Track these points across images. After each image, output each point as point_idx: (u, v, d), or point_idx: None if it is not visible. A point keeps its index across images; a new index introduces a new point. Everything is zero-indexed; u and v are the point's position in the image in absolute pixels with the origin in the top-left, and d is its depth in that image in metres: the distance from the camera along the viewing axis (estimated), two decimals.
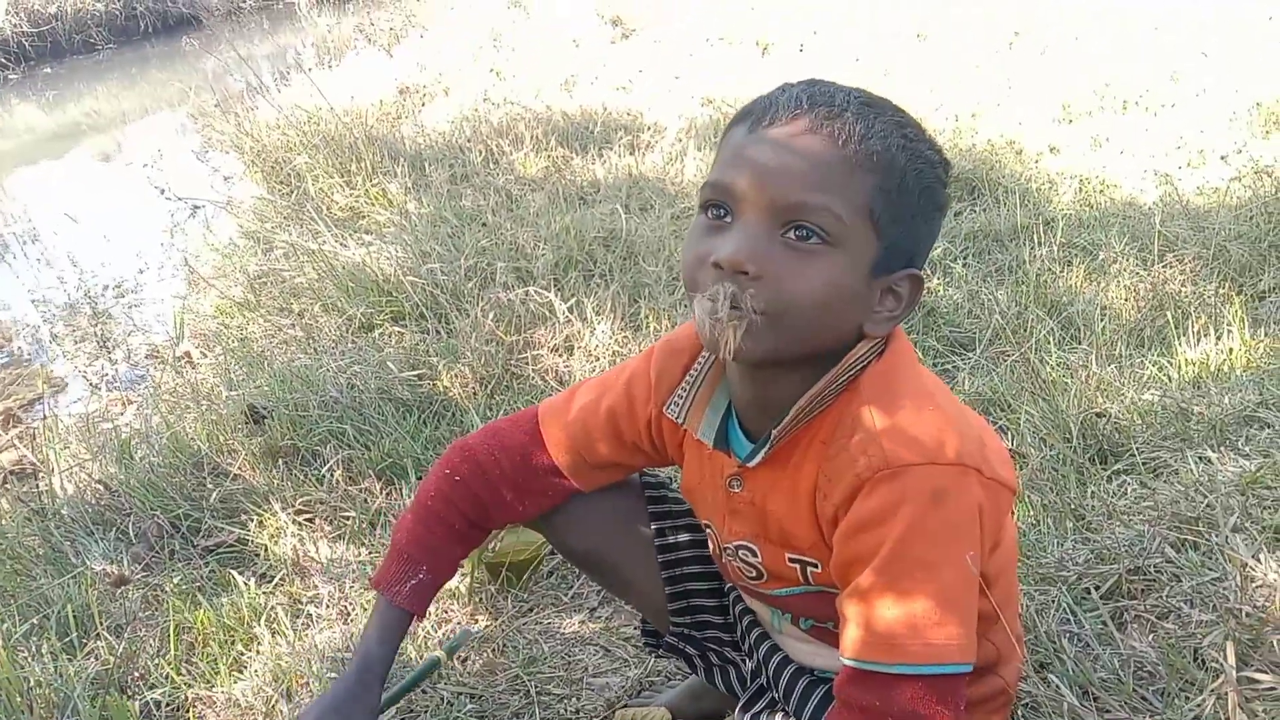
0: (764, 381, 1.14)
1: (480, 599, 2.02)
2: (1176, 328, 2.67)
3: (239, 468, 2.46)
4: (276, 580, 2.11)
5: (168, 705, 1.81)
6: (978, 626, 1.08)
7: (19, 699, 1.75)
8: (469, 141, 5.15)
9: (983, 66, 5.76)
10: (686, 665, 1.50)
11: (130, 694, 1.82)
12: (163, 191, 5.30)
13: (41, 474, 2.65)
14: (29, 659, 1.85)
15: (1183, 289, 2.98)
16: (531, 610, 2.01)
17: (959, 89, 5.39)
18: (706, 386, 1.23)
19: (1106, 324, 2.79)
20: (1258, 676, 1.34)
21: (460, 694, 1.76)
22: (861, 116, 1.03)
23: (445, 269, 3.34)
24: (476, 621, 1.97)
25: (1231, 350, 2.53)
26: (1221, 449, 2.02)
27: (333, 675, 1.76)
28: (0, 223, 6.56)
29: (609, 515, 1.44)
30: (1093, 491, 1.98)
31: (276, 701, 1.73)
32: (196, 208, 5.76)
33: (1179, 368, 2.51)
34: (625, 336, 2.92)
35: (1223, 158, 4.03)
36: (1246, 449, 2.02)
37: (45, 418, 3.17)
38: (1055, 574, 1.74)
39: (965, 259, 3.38)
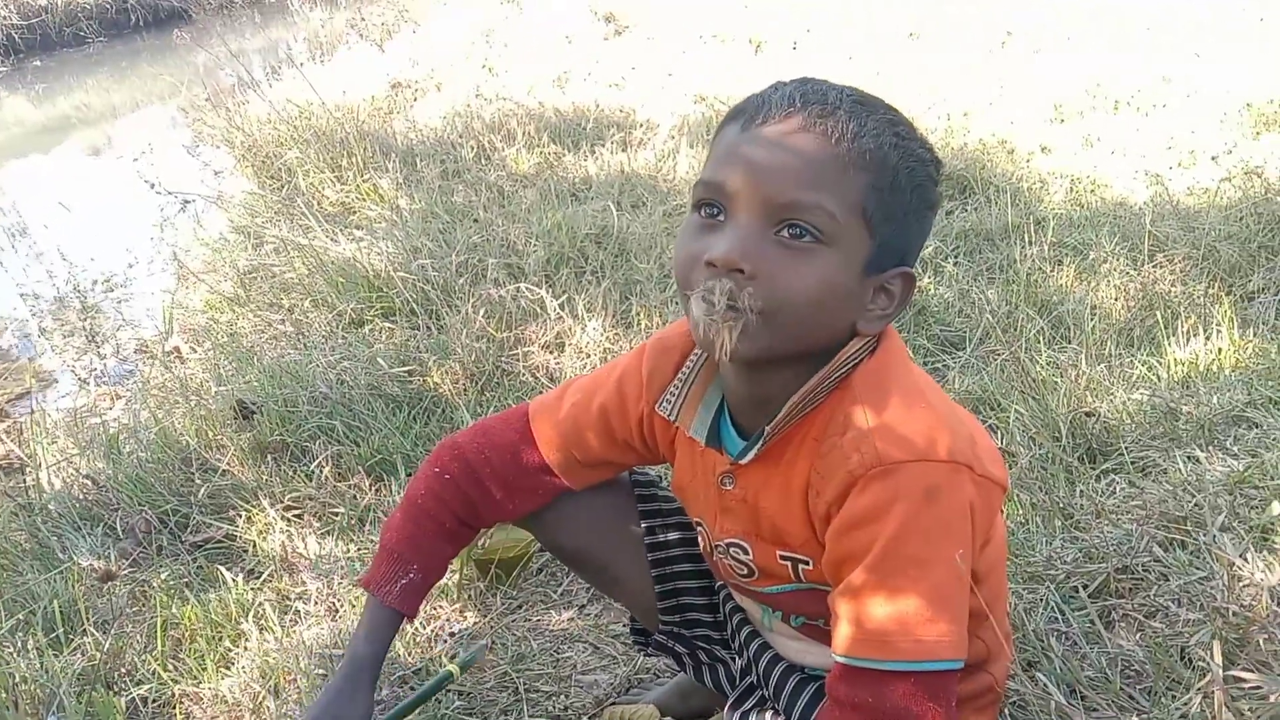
0: (757, 379, 1.14)
1: (469, 596, 2.02)
2: (1166, 328, 2.67)
3: (228, 463, 2.45)
4: (264, 576, 2.10)
5: (154, 701, 1.80)
6: (967, 624, 1.08)
7: (4, 695, 1.74)
8: (461, 137, 5.14)
9: (975, 66, 5.77)
10: (675, 663, 1.50)
11: (117, 690, 1.81)
12: (153, 186, 5.27)
13: (29, 469, 2.63)
14: (15, 655, 1.85)
15: (1172, 289, 2.99)
16: (520, 607, 2.01)
17: (951, 88, 5.40)
18: (699, 384, 1.22)
19: (1096, 323, 2.80)
20: (1244, 675, 1.34)
21: (448, 691, 1.75)
22: (854, 115, 1.03)
23: (436, 265, 3.33)
24: (465, 619, 1.97)
25: (1220, 350, 2.54)
26: (1210, 449, 2.03)
27: (320, 672, 1.76)
28: None
29: (599, 513, 1.44)
30: (1081, 490, 1.98)
31: (264, 698, 1.73)
32: (187, 202, 5.74)
33: (1168, 367, 2.52)
34: (616, 334, 2.92)
35: (1213, 158, 4.04)
36: (1234, 449, 2.03)
37: (33, 412, 3.16)
38: (1044, 572, 1.74)
39: (956, 257, 3.39)
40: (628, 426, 1.31)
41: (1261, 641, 1.40)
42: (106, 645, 1.88)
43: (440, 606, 2.00)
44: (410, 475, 2.27)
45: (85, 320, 4.26)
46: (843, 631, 1.07)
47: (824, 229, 1.02)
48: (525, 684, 1.78)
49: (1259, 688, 1.33)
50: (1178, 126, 4.48)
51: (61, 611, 1.98)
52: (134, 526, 2.31)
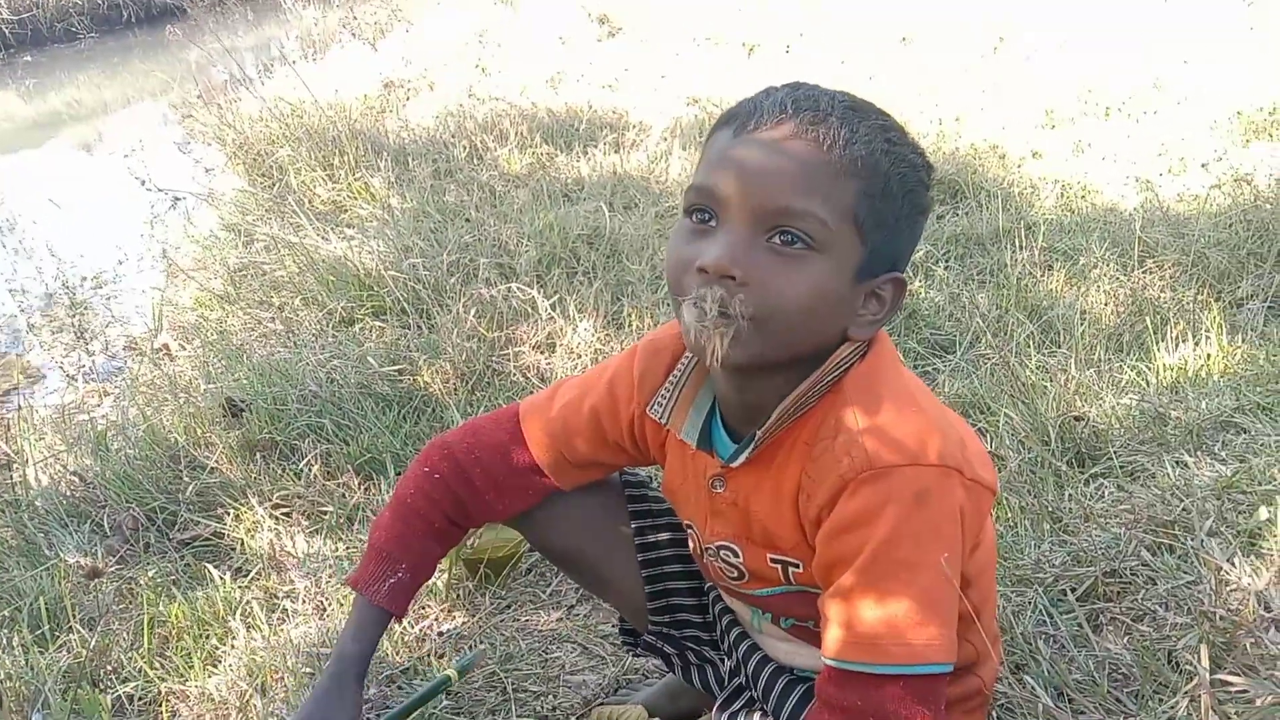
0: (748, 383, 1.14)
1: (458, 595, 2.01)
2: (1155, 333, 2.68)
3: (216, 461, 2.44)
4: (252, 575, 2.10)
5: (140, 699, 1.80)
6: (957, 627, 1.08)
7: None
8: (453, 137, 5.13)
9: (967, 71, 5.78)
10: (664, 664, 1.50)
11: (102, 687, 1.81)
12: (143, 182, 5.24)
13: (16, 465, 2.62)
14: (0, 651, 1.83)
15: (1162, 295, 3.00)
16: (509, 607, 2.01)
17: (943, 93, 5.41)
18: (690, 387, 1.22)
19: (1086, 328, 2.81)
20: (1231, 679, 1.35)
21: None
22: (846, 121, 1.03)
23: (427, 264, 3.32)
24: (454, 618, 1.96)
25: (1209, 356, 2.55)
26: (1198, 454, 2.03)
27: (308, 670, 1.75)
28: None
29: (589, 514, 1.44)
30: (1070, 494, 1.99)
31: (251, 696, 1.72)
32: (177, 199, 5.71)
33: (1157, 373, 2.52)
34: (608, 335, 2.92)
35: (1203, 165, 4.06)
36: (1223, 454, 2.03)
37: (20, 408, 3.14)
38: (1032, 576, 1.75)
39: (947, 262, 3.40)
40: (618, 428, 1.31)
41: (1248, 646, 1.41)
42: (93, 642, 1.87)
43: (429, 606, 1.99)
44: (400, 474, 2.26)
45: (74, 316, 4.24)
46: (832, 634, 1.07)
47: (815, 236, 1.03)
48: (513, 684, 1.77)
49: (1245, 692, 1.33)
50: (1168, 133, 4.50)
51: (47, 608, 1.97)
52: (121, 524, 2.30)
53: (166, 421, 2.71)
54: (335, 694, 1.31)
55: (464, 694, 1.76)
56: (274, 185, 4.98)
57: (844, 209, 1.03)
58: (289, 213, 4.28)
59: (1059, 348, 2.73)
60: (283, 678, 1.76)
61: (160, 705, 1.77)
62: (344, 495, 2.31)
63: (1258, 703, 1.30)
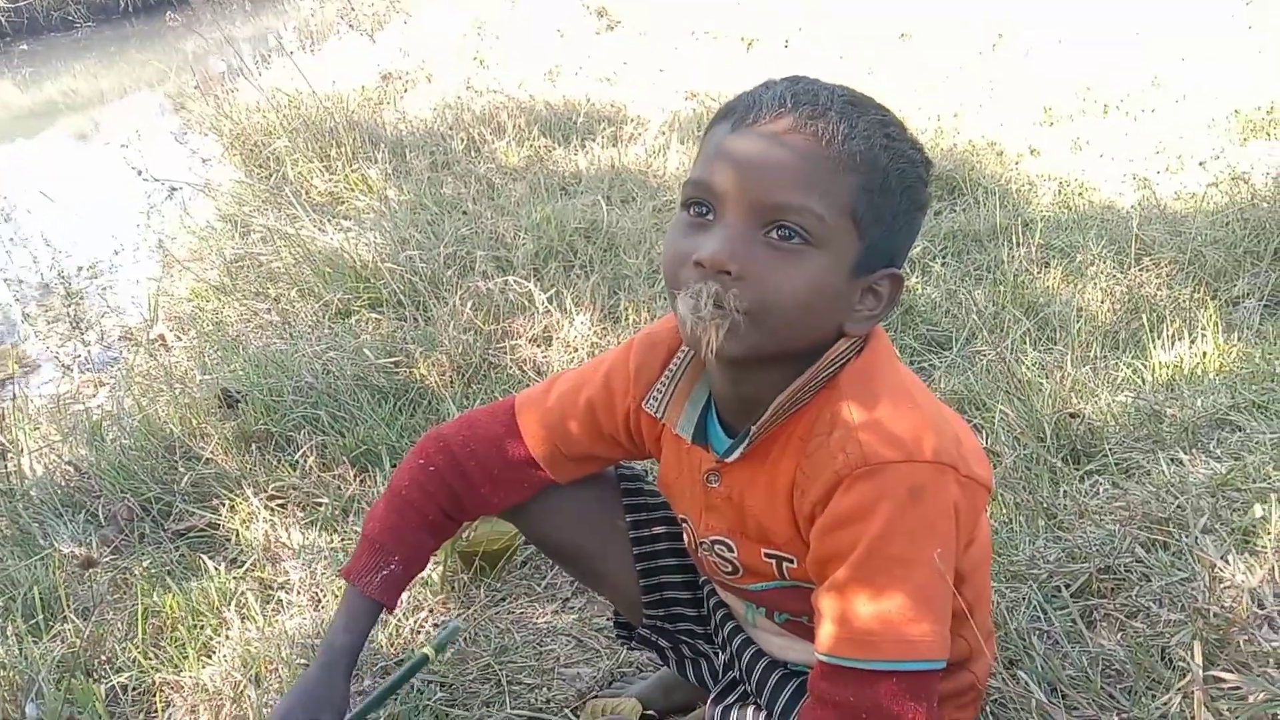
0: (743, 378, 1.14)
1: (453, 588, 2.01)
2: (1151, 331, 2.69)
3: (211, 452, 2.44)
4: (247, 566, 2.09)
5: (134, 689, 1.80)
6: (950, 623, 1.08)
7: None
8: (451, 129, 5.12)
9: (966, 68, 5.79)
10: (659, 657, 1.50)
11: (96, 677, 1.80)
12: (140, 172, 5.24)
13: (10, 455, 2.61)
14: None
15: (1158, 293, 3.01)
16: (504, 600, 2.01)
17: (942, 89, 5.41)
18: (686, 381, 1.22)
19: (1082, 325, 2.81)
20: (1224, 676, 1.35)
21: (431, 682, 1.75)
22: (845, 116, 1.03)
23: (424, 256, 3.32)
24: (448, 610, 1.96)
25: (1205, 354, 2.55)
26: (1193, 451, 2.04)
27: (303, 661, 1.75)
28: None
29: (584, 507, 1.44)
30: (1065, 491, 1.99)
31: (245, 687, 1.72)
32: (174, 189, 5.70)
33: (1153, 370, 2.53)
34: (604, 328, 2.92)
35: (1201, 164, 4.07)
36: (1218, 451, 2.04)
37: (15, 398, 3.13)
38: (1026, 572, 1.75)
39: (944, 258, 3.40)
40: (614, 421, 1.31)
41: (1242, 642, 1.41)
42: (87, 632, 1.87)
43: (424, 598, 1.99)
44: (395, 466, 2.26)
45: (69, 306, 4.23)
46: (826, 630, 1.07)
47: (813, 231, 1.02)
48: (508, 676, 1.78)
49: (1238, 688, 1.34)
50: (1166, 131, 4.50)
51: (42, 598, 1.97)
52: (116, 514, 2.29)
53: (162, 412, 2.70)
54: (324, 685, 1.31)
55: (459, 686, 1.76)
56: (271, 176, 4.97)
57: (842, 204, 1.03)
58: (285, 204, 4.27)
59: (1055, 344, 2.74)
60: (277, 669, 1.76)
61: (154, 695, 1.77)
62: (339, 487, 2.31)
63: (1250, 699, 1.31)
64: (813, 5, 7.52)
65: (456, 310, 2.91)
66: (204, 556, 2.10)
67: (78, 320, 4.11)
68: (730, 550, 1.24)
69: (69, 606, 1.95)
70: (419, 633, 1.90)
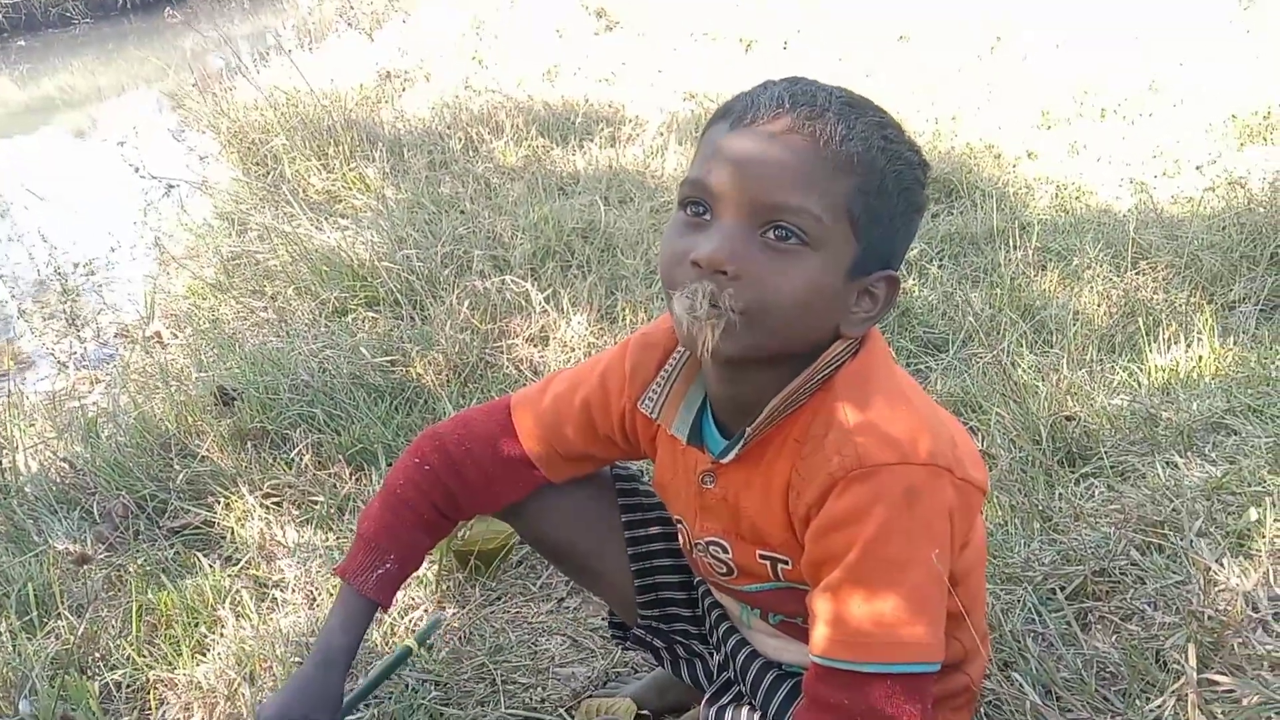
0: (739, 379, 1.14)
1: (448, 587, 2.01)
2: (1147, 334, 2.69)
3: (207, 449, 2.44)
4: (242, 563, 2.09)
5: (128, 687, 1.79)
6: (945, 625, 1.08)
7: None
8: (449, 128, 5.12)
9: (964, 70, 5.80)
10: (653, 657, 1.50)
11: (90, 674, 1.80)
12: (137, 170, 5.22)
13: (5, 451, 2.61)
14: None
15: (1154, 296, 3.01)
16: (499, 599, 2.01)
17: (940, 92, 5.42)
18: (681, 382, 1.22)
19: (1079, 329, 2.81)
20: (1218, 679, 1.36)
21: (425, 681, 1.75)
22: (843, 117, 1.03)
23: (421, 255, 3.32)
24: (444, 608, 1.96)
25: (1201, 358, 2.56)
26: (1188, 454, 2.04)
27: (297, 660, 1.75)
28: None
29: (579, 507, 1.43)
30: (1060, 493, 1.99)
31: (239, 685, 1.72)
32: (171, 187, 5.68)
33: (1149, 374, 2.53)
34: (601, 328, 2.92)
35: (1198, 168, 4.08)
36: (1213, 455, 2.04)
37: (10, 395, 3.13)
38: (1021, 574, 1.75)
39: (941, 261, 3.40)
40: (609, 421, 1.31)
41: (1236, 645, 1.41)
42: (81, 629, 1.86)
43: (419, 597, 1.99)
44: (391, 465, 2.26)
45: (66, 303, 4.22)
46: (821, 632, 1.07)
47: (809, 231, 1.02)
48: (503, 675, 1.77)
49: (1232, 691, 1.34)
50: (1163, 135, 4.51)
51: (36, 595, 1.97)
52: (111, 511, 2.29)
53: (157, 409, 2.70)
54: (321, 683, 1.31)
55: (454, 685, 1.75)
56: (268, 174, 4.96)
57: (839, 205, 1.03)
58: (283, 202, 4.27)
59: (1051, 348, 2.74)
60: (271, 667, 1.76)
61: (148, 693, 1.77)
62: (335, 485, 2.31)
63: (1244, 702, 1.31)
64: (811, 6, 7.53)
65: (453, 309, 2.91)
66: (199, 554, 2.10)
67: (74, 317, 4.10)
68: (725, 551, 1.23)
69: (63, 603, 1.95)
70: (414, 632, 1.89)
